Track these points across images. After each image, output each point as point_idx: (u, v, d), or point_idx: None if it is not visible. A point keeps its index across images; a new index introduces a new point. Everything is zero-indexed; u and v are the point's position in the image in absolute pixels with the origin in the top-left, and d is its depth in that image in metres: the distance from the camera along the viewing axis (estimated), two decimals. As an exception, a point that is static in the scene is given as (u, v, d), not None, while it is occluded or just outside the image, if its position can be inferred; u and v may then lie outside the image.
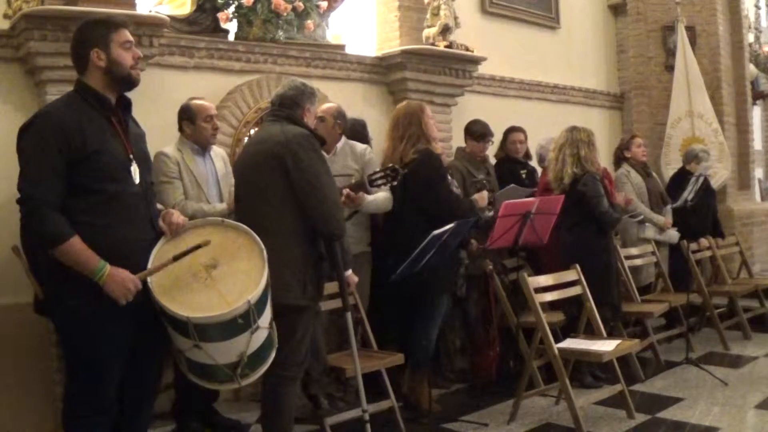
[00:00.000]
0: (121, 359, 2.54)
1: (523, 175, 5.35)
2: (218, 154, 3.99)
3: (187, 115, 3.82)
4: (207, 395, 3.76)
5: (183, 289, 2.51)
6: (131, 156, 2.58)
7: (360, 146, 4.26)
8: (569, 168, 4.53)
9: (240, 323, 2.50)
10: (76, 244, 2.40)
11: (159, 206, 2.79)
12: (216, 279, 2.55)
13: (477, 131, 5.03)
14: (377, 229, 4.39)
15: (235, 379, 2.63)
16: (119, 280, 2.42)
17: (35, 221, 2.41)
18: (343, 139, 4.25)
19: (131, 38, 2.61)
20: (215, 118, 3.90)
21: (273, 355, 2.77)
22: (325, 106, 4.26)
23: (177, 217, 2.67)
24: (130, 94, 2.72)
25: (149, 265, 2.52)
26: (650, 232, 5.75)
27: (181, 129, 3.85)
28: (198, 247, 2.51)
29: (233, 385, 2.69)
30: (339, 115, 4.21)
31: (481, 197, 4.38)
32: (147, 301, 2.50)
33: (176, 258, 2.49)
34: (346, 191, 3.67)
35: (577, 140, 4.56)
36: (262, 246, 2.66)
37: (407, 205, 4.08)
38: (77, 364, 2.55)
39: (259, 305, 2.57)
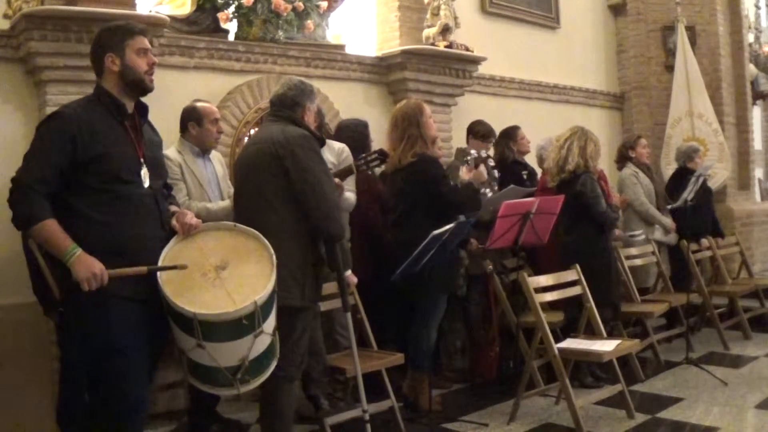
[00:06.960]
0: (143, 354, 2.55)
1: (525, 176, 5.35)
2: (216, 157, 3.99)
3: (195, 116, 3.79)
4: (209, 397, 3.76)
5: (191, 287, 2.54)
6: (142, 160, 2.60)
7: (337, 144, 4.21)
8: (574, 157, 4.52)
9: (245, 324, 2.51)
10: (51, 225, 2.42)
11: (173, 208, 2.79)
12: (224, 279, 2.58)
13: (481, 131, 5.21)
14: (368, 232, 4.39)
15: (234, 384, 2.64)
16: (87, 263, 2.41)
17: (17, 201, 2.46)
18: None
19: (148, 45, 2.65)
20: (219, 121, 3.91)
21: (274, 364, 2.79)
22: None
23: (191, 218, 2.70)
24: None
25: (159, 263, 2.54)
26: (658, 233, 5.78)
27: (184, 130, 3.83)
28: (174, 267, 2.53)
29: (232, 390, 2.70)
30: (318, 111, 4.24)
31: (479, 172, 4.32)
32: (156, 298, 2.52)
33: (150, 270, 2.50)
34: (336, 180, 3.65)
35: (588, 136, 4.59)
36: (272, 252, 2.69)
37: (414, 207, 4.08)
38: (102, 362, 2.54)
39: (265, 309, 2.59)
